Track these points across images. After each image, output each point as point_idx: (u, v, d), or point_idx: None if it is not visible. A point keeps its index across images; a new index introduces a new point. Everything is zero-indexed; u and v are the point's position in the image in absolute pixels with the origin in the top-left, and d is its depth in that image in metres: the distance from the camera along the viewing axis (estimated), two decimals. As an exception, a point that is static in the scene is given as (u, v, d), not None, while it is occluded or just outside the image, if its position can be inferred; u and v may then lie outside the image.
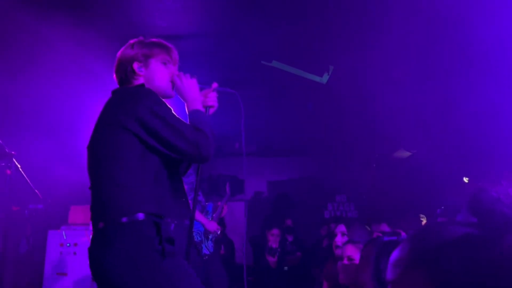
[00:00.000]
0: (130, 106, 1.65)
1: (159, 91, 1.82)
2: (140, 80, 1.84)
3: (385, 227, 3.54)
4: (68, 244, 4.53)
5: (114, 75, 1.90)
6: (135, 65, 1.84)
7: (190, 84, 1.87)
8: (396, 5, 3.61)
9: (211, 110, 1.98)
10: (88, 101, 4.40)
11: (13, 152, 2.80)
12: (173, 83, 1.90)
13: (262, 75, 4.70)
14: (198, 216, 4.21)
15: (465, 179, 8.53)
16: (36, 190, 2.99)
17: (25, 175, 2.92)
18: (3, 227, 4.15)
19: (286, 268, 6.42)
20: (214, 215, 4.52)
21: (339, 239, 3.11)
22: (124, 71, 1.85)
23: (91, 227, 1.68)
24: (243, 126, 2.01)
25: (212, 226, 4.35)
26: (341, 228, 3.21)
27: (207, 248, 4.32)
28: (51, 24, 3.47)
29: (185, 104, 1.95)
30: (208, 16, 3.83)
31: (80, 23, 3.59)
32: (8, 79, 3.75)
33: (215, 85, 1.99)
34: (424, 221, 6.23)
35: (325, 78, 4.38)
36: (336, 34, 3.97)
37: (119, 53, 1.89)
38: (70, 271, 4.46)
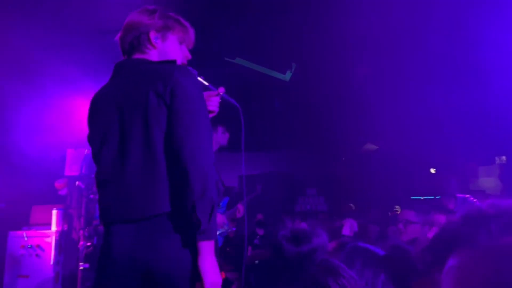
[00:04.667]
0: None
1: None
2: (153, 52, 1.64)
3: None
4: (29, 246, 4.42)
5: (119, 36, 1.68)
6: (152, 34, 1.63)
7: None
8: (364, 2, 3.64)
9: (211, 115, 1.82)
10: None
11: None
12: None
13: (229, 71, 4.66)
14: None
15: (432, 170, 8.78)
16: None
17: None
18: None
19: (256, 262, 6.46)
20: (227, 212, 4.23)
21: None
22: (137, 38, 1.63)
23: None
24: (243, 141, 1.91)
25: (218, 219, 4.15)
26: (303, 226, 3.23)
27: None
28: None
29: None
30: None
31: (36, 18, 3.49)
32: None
33: (221, 90, 1.83)
34: (398, 212, 6.37)
35: (288, 76, 4.38)
36: (299, 30, 3.97)
37: (131, 16, 1.67)
38: (32, 273, 4.36)
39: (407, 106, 5.28)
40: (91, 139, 1.63)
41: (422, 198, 7.80)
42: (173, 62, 1.61)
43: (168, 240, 1.42)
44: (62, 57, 3.93)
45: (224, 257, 5.02)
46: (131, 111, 1.51)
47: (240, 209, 4.28)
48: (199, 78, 1.79)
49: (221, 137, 4.16)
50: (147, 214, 1.44)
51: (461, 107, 5.11)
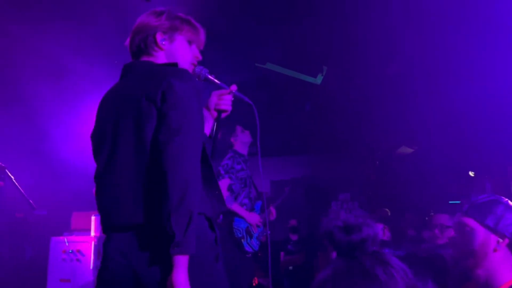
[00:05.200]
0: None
1: None
2: (160, 54, 1.62)
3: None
4: (70, 251, 4.57)
5: (128, 41, 1.67)
6: (159, 36, 1.61)
7: None
8: (391, 4, 3.59)
9: (224, 115, 1.80)
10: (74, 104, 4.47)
11: (3, 165, 2.85)
12: (193, 66, 1.70)
13: (259, 77, 4.69)
14: (237, 208, 3.93)
15: (471, 173, 8.47)
16: (30, 200, 3.04)
17: (17, 185, 2.97)
18: (7, 233, 4.21)
19: (290, 267, 6.43)
20: (261, 216, 4.18)
21: None
22: (144, 40, 1.62)
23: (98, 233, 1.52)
24: (259, 139, 1.87)
25: (253, 218, 4.01)
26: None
27: (250, 245, 4.01)
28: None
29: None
30: (201, 20, 3.84)
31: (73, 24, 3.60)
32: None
33: (234, 87, 1.78)
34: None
35: (319, 79, 4.36)
36: (330, 33, 3.95)
37: (140, 19, 1.66)
38: (73, 277, 4.51)
39: (444, 106, 5.14)
40: (92, 139, 1.61)
41: (460, 202, 7.54)
42: (173, 65, 1.57)
43: (154, 249, 1.35)
44: (98, 64, 4.06)
45: (257, 262, 5.01)
46: (124, 115, 1.48)
47: (273, 212, 4.27)
48: (209, 77, 1.76)
49: (242, 136, 4.18)
50: (131, 222, 1.39)
51: (503, 106, 4.92)
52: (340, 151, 7.48)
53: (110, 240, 1.45)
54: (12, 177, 2.94)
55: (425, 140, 6.59)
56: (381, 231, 3.08)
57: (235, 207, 3.97)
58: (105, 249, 1.46)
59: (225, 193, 3.87)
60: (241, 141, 4.16)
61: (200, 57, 1.71)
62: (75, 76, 4.19)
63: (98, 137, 1.56)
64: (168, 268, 1.30)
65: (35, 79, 4.04)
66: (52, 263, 4.59)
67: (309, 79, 4.41)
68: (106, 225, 1.47)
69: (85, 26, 3.64)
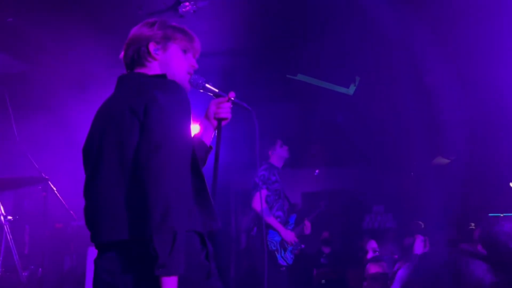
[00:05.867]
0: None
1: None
2: (154, 65, 1.58)
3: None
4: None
5: (122, 54, 1.64)
6: (152, 46, 1.57)
7: None
8: (425, 14, 3.54)
9: (224, 123, 1.78)
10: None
11: (46, 177, 2.95)
12: (190, 74, 1.66)
13: (290, 89, 4.71)
14: (273, 222, 3.95)
15: (512, 185, 8.12)
16: (71, 211, 3.13)
17: (59, 196, 3.07)
18: (49, 244, 4.33)
19: (323, 281, 6.32)
20: (296, 229, 4.21)
21: (370, 256, 3.02)
22: (137, 51, 1.58)
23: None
24: (258, 145, 1.82)
25: (289, 236, 4.02)
26: (372, 244, 3.12)
27: (284, 259, 4.02)
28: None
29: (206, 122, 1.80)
30: (231, 33, 3.90)
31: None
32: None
33: (232, 94, 1.76)
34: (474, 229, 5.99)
35: (351, 89, 4.33)
36: (361, 42, 3.93)
37: (133, 30, 1.63)
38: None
39: (482, 114, 4.99)
40: (82, 153, 1.57)
41: (502, 215, 7.24)
42: (161, 76, 1.53)
43: (140, 269, 1.30)
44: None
45: (293, 275, 4.94)
46: (108, 129, 1.44)
47: (308, 226, 4.23)
48: (207, 85, 1.74)
49: (280, 150, 4.21)
50: (115, 240, 1.35)
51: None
52: (373, 163, 7.35)
53: (99, 257, 1.42)
54: (54, 188, 3.04)
55: (462, 151, 6.39)
56: (422, 243, 2.99)
57: (271, 220, 3.96)
58: (94, 266, 1.43)
59: (263, 204, 3.87)
60: (279, 155, 4.23)
61: (196, 66, 1.67)
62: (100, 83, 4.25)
63: (85, 151, 1.53)
64: None
65: (64, 87, 4.12)
66: (89, 274, 4.68)
67: (342, 89, 4.38)
68: (93, 242, 1.43)
69: (107, 36, 3.68)
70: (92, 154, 1.47)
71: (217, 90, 1.77)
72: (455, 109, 5.01)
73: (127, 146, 1.36)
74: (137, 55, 1.58)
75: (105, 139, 1.43)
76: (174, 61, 1.60)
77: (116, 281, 1.34)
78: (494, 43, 3.94)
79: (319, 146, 6.82)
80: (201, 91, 1.77)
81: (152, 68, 1.58)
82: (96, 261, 1.42)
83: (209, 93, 1.78)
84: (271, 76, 4.43)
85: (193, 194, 1.41)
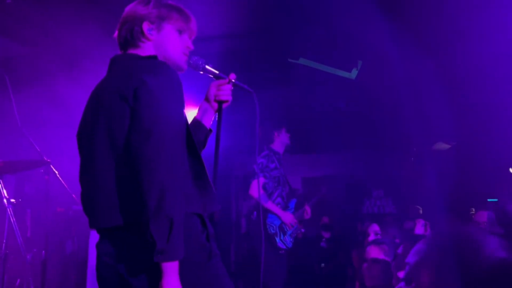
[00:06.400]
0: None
1: (171, 62, 1.54)
2: (147, 45, 1.53)
3: None
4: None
5: (116, 33, 1.59)
6: (145, 26, 1.52)
7: None
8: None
9: (225, 105, 1.76)
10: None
11: (48, 160, 2.95)
12: (185, 56, 1.61)
13: (292, 73, 4.68)
14: (272, 206, 3.98)
15: (511, 170, 8.15)
16: (73, 195, 3.14)
17: (61, 180, 3.07)
18: (49, 228, 4.36)
19: (323, 265, 6.39)
20: (295, 214, 4.23)
21: (372, 239, 3.04)
22: (130, 30, 1.53)
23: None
24: (258, 128, 1.80)
25: (288, 217, 4.05)
26: (374, 227, 3.15)
27: (283, 242, 4.04)
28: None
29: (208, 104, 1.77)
30: (232, 16, 3.86)
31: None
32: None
33: (232, 76, 1.73)
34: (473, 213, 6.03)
35: (354, 74, 4.30)
36: (364, 27, 3.89)
37: (128, 8, 1.57)
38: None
39: (482, 99, 4.98)
40: (77, 139, 1.55)
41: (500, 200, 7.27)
42: (152, 57, 1.48)
43: (141, 255, 1.30)
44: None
45: (293, 259, 4.99)
46: (99, 114, 1.41)
47: (308, 211, 4.26)
48: (207, 67, 1.72)
49: (284, 136, 4.22)
50: (112, 226, 1.35)
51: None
52: (373, 147, 7.36)
53: (100, 242, 1.43)
54: (56, 172, 3.04)
55: (462, 136, 6.40)
56: (423, 227, 3.02)
57: (270, 205, 3.99)
58: (96, 250, 1.44)
59: (261, 190, 3.91)
60: (282, 140, 4.23)
61: (192, 47, 1.62)
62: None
63: (79, 136, 1.51)
64: (156, 274, 1.26)
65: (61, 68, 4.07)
66: (91, 257, 4.72)
67: (344, 74, 4.36)
68: (91, 228, 1.44)
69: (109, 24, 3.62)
70: (85, 140, 1.45)
71: (217, 72, 1.74)
72: (456, 95, 5.00)
73: (118, 133, 1.34)
74: (130, 35, 1.53)
75: (96, 125, 1.40)
76: (169, 42, 1.55)
77: (118, 265, 1.34)
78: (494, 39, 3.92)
79: (319, 130, 6.82)
80: (201, 72, 1.74)
81: (146, 49, 1.53)
82: (97, 245, 1.43)
83: (210, 75, 1.76)
84: (272, 60, 4.40)
85: (192, 176, 1.40)
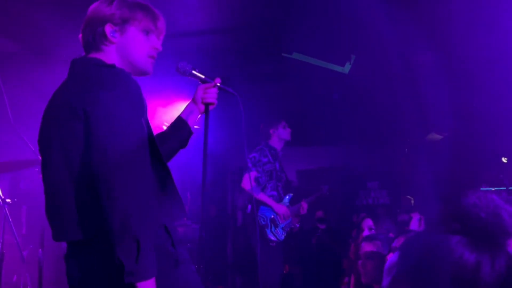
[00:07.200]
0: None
1: (135, 66, 1.48)
2: (110, 49, 1.45)
3: None
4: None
5: (80, 35, 1.50)
6: (108, 28, 1.43)
7: None
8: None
9: (211, 107, 1.82)
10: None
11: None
12: (152, 58, 1.53)
13: (285, 67, 4.68)
14: (264, 197, 3.99)
15: (504, 159, 8.23)
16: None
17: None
18: (45, 224, 4.36)
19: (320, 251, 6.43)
20: (291, 208, 4.22)
21: (366, 234, 3.07)
22: (93, 33, 1.44)
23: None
24: (244, 130, 1.91)
25: (282, 209, 4.03)
26: (368, 222, 3.17)
27: (274, 234, 4.03)
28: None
29: (194, 105, 1.82)
30: (226, 10, 3.84)
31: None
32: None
33: (218, 80, 1.81)
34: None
35: (347, 68, 4.31)
36: (357, 21, 3.89)
37: (91, 8, 1.48)
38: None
39: (474, 90, 5.01)
40: (38, 143, 1.48)
41: (493, 189, 7.35)
42: (110, 66, 1.38)
43: (97, 267, 1.28)
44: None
45: (288, 251, 5.02)
46: (52, 124, 1.37)
47: (304, 207, 4.28)
48: (194, 72, 1.80)
49: (282, 131, 4.22)
50: (76, 240, 1.32)
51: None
52: (367, 140, 7.39)
53: (66, 255, 1.40)
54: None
55: (455, 126, 6.44)
56: (418, 222, 3.04)
57: (262, 196, 4.01)
58: (65, 262, 1.41)
59: (253, 183, 3.94)
60: (279, 136, 4.21)
61: (160, 48, 1.54)
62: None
63: (39, 144, 1.45)
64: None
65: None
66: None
67: (337, 68, 4.37)
68: (55, 240, 1.40)
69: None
70: (42, 152, 1.41)
71: (203, 77, 1.82)
72: (448, 83, 5.02)
73: (70, 150, 1.31)
74: (93, 38, 1.45)
75: (52, 140, 1.36)
76: (133, 45, 1.47)
77: (85, 279, 1.32)
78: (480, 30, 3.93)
79: (314, 123, 6.84)
80: (189, 76, 1.83)
81: (109, 53, 1.45)
82: (65, 257, 1.40)
83: (197, 79, 1.85)
84: (265, 53, 4.40)
85: (157, 186, 1.37)
